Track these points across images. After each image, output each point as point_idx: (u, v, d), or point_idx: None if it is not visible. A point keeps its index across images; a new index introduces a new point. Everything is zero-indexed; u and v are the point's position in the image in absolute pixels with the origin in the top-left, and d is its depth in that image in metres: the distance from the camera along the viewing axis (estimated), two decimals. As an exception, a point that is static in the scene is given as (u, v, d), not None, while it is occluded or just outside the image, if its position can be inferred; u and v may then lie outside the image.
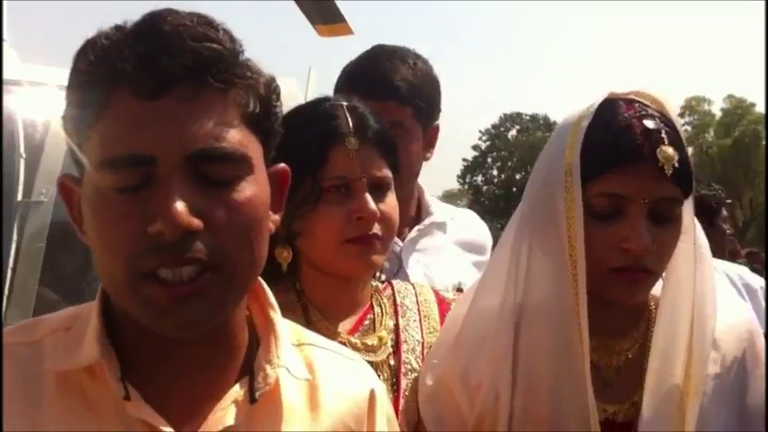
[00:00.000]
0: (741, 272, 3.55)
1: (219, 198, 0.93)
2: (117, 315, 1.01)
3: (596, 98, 1.43)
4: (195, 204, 0.91)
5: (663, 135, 1.34)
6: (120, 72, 0.91)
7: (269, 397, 1.03)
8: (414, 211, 2.26)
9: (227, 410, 1.00)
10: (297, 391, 1.08)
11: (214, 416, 0.99)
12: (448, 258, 2.18)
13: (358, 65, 2.18)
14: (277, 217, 1.07)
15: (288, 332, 1.13)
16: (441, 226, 2.26)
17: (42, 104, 2.92)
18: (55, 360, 0.99)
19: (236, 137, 0.95)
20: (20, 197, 2.58)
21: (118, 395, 0.95)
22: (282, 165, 1.09)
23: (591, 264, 1.36)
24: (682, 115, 42.86)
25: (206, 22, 0.95)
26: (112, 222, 0.92)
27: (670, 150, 1.33)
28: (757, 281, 3.52)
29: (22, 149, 2.66)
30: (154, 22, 0.94)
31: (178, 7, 0.97)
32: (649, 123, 1.36)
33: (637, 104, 1.40)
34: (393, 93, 2.07)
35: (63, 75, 2.84)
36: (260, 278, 1.11)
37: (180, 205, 0.89)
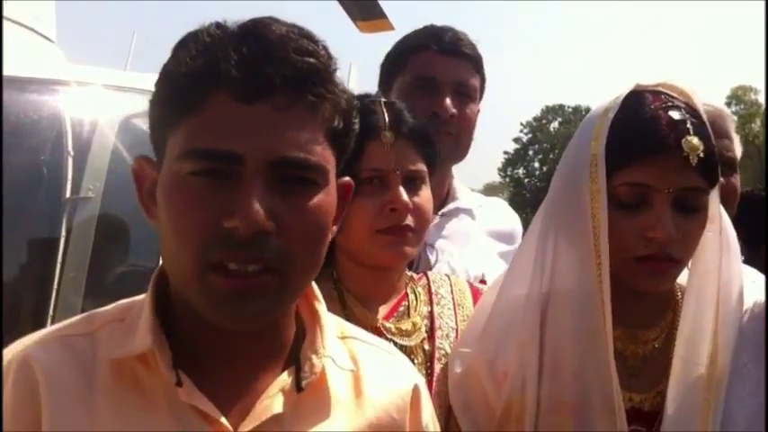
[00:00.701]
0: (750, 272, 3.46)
1: (294, 204, 0.98)
2: (172, 304, 1.06)
3: (623, 90, 1.44)
4: (271, 207, 0.95)
5: (688, 126, 1.36)
6: (223, 72, 0.95)
7: (315, 386, 1.07)
8: (446, 195, 2.29)
9: (274, 398, 1.03)
10: (341, 381, 1.11)
11: (262, 404, 1.02)
12: (475, 246, 2.20)
13: (431, 29, 2.25)
14: (335, 228, 1.11)
15: (333, 324, 1.17)
16: (467, 212, 2.28)
17: (89, 104, 2.98)
18: (110, 349, 1.03)
19: (319, 150, 1.00)
20: (68, 194, 2.64)
21: (169, 382, 0.98)
22: (347, 178, 1.13)
23: (616, 253, 1.38)
24: (728, 105, 42.08)
25: (308, 35, 1.00)
26: (189, 210, 0.96)
27: (695, 140, 1.34)
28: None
29: (69, 147, 2.72)
30: (259, 29, 0.98)
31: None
32: (675, 114, 1.37)
33: (663, 96, 1.42)
34: (470, 57, 2.19)
35: (108, 75, 2.92)
36: None
37: (258, 206, 0.93)
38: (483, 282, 1.85)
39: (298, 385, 1.05)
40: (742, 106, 43.14)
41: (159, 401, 1.00)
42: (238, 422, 1.00)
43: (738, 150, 2.27)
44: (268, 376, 1.06)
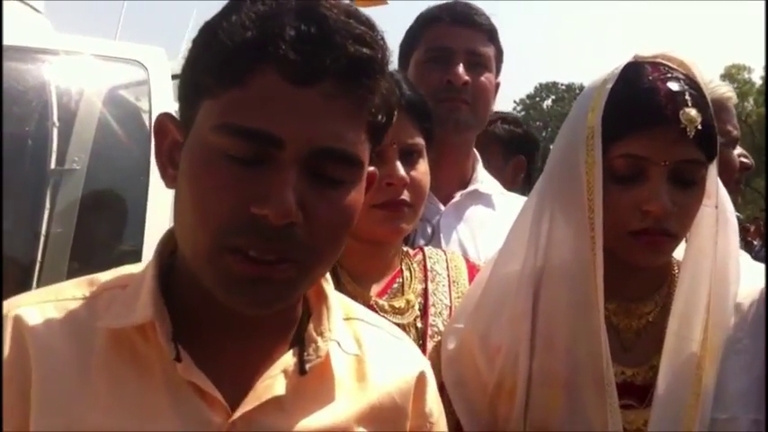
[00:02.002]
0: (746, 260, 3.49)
1: (326, 197, 0.94)
2: (177, 275, 1.03)
3: (622, 61, 1.42)
4: (303, 197, 0.91)
5: (687, 97, 1.33)
6: (276, 48, 0.89)
7: (319, 369, 1.04)
8: (469, 175, 2.27)
9: (275, 379, 1.00)
10: (345, 364, 1.09)
11: (262, 384, 0.99)
12: (491, 233, 2.14)
13: (445, 3, 2.27)
14: None
15: (339, 305, 1.14)
16: (486, 198, 2.26)
17: (76, 74, 2.94)
18: (109, 317, 1.00)
19: (360, 143, 0.96)
20: (53, 165, 2.61)
21: (168, 357, 0.96)
22: (373, 169, 1.07)
23: (612, 226, 1.36)
24: (721, 84, 42.15)
25: (369, 23, 0.95)
26: (216, 189, 0.91)
27: (693, 112, 1.32)
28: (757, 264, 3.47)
29: (55, 118, 2.69)
30: (320, 9, 0.92)
31: None
32: (673, 85, 1.35)
33: (662, 67, 1.39)
34: (483, 27, 2.21)
35: (96, 44, 2.88)
36: None
37: (292, 197, 0.89)
38: None
39: (301, 368, 1.02)
40: (735, 85, 43.13)
41: (156, 375, 0.97)
42: (237, 401, 0.97)
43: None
44: (272, 356, 1.03)
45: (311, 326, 1.06)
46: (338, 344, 1.06)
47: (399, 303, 1.61)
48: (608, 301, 1.41)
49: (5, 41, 2.75)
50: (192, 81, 0.97)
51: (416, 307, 1.63)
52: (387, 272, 1.66)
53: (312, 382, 1.03)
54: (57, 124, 2.69)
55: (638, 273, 1.44)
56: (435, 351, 1.59)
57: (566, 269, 1.42)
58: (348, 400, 1.06)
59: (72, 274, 2.40)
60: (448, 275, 1.71)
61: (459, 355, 1.52)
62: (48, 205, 2.54)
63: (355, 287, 1.59)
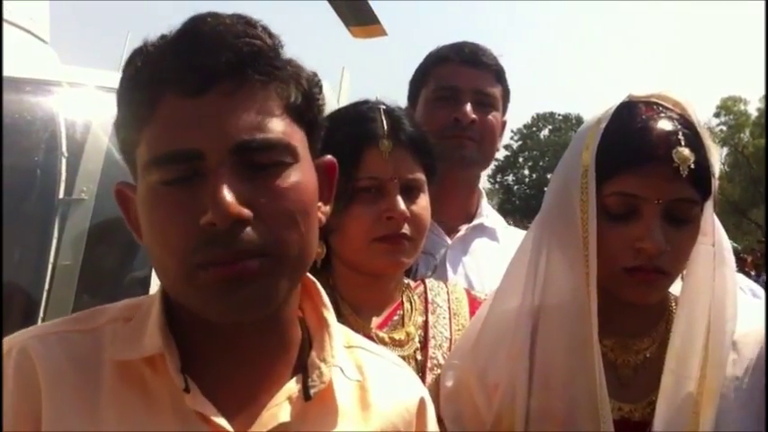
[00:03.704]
0: (749, 283, 3.52)
1: (266, 187, 0.96)
2: (176, 309, 1.04)
3: (616, 100, 1.44)
4: (243, 194, 0.93)
5: (680, 137, 1.35)
6: (165, 74, 0.95)
7: (322, 396, 1.05)
8: (474, 210, 2.31)
9: (281, 407, 1.01)
10: (348, 391, 1.10)
11: (268, 411, 1.01)
12: (495, 266, 2.16)
13: (455, 43, 2.32)
14: (327, 208, 1.10)
15: (340, 333, 1.15)
16: (491, 232, 2.30)
17: (83, 105, 2.97)
18: (115, 350, 1.01)
19: (279, 127, 0.98)
20: (61, 195, 2.63)
21: (175, 387, 0.97)
22: (330, 157, 1.12)
23: (606, 263, 1.38)
24: (717, 115, 42.20)
25: (245, 20, 0.99)
26: (166, 218, 0.95)
27: (686, 152, 1.34)
28: (762, 291, 3.49)
29: (63, 148, 2.71)
30: (194, 25, 0.97)
31: (209, 9, 1.01)
32: (666, 125, 1.37)
33: (656, 106, 1.41)
34: (491, 67, 2.25)
35: (102, 76, 2.91)
36: (314, 279, 1.14)
37: (228, 195, 0.91)
38: None
39: (305, 394, 1.03)
40: (731, 117, 43.26)
41: (165, 405, 0.99)
42: (244, 429, 0.99)
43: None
44: (275, 383, 1.04)
45: (314, 353, 1.08)
46: (341, 370, 1.07)
47: (399, 335, 1.63)
48: (605, 337, 1.43)
49: (13, 72, 2.79)
50: (120, 139, 1.03)
51: (416, 339, 1.65)
52: (387, 304, 1.68)
53: (316, 409, 1.04)
54: (65, 155, 2.71)
55: (635, 309, 1.44)
56: (435, 384, 1.59)
57: (562, 306, 1.43)
58: (352, 428, 1.07)
59: (80, 303, 2.41)
60: (449, 308, 1.73)
61: (457, 392, 1.53)
62: (56, 235, 2.55)
63: (356, 319, 1.61)
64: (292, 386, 1.04)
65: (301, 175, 1.00)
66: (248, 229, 0.93)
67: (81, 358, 1.01)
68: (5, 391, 0.97)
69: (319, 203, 1.08)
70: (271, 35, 1.00)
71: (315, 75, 1.07)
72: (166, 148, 0.94)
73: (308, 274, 1.13)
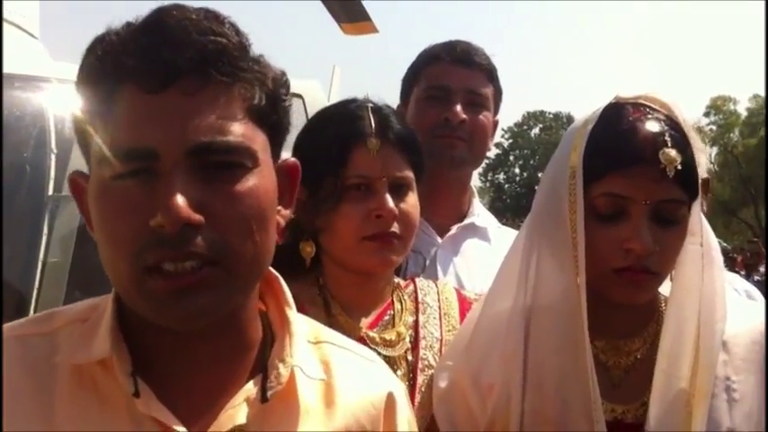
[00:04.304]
0: (744, 284, 3.53)
1: (221, 191, 0.93)
2: (129, 310, 1.01)
3: (603, 102, 1.45)
4: (197, 198, 0.90)
5: (666, 138, 1.36)
6: (125, 67, 0.92)
7: (283, 396, 1.03)
8: (465, 209, 2.31)
9: (238, 409, 0.99)
10: (312, 389, 1.07)
11: (225, 413, 0.99)
12: (486, 266, 2.13)
13: (447, 42, 2.32)
14: (287, 212, 1.08)
15: (305, 329, 1.13)
16: (482, 231, 2.29)
17: (73, 101, 2.96)
18: (69, 352, 0.99)
19: (240, 130, 0.95)
20: (50, 191, 2.62)
21: (128, 391, 0.95)
22: (292, 159, 1.10)
23: (596, 264, 1.38)
24: (707, 115, 42.37)
25: (212, 16, 0.95)
26: (116, 216, 0.92)
27: (673, 153, 1.34)
28: (757, 292, 3.51)
29: (53, 145, 2.70)
30: (159, 17, 0.94)
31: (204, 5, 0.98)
32: (653, 126, 1.38)
33: (643, 108, 1.42)
34: (483, 67, 2.25)
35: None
36: (279, 275, 1.12)
37: (180, 199, 0.89)
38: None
39: (263, 395, 1.01)
40: (721, 116, 43.42)
41: (119, 409, 0.97)
42: (200, 431, 0.97)
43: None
44: (234, 384, 1.02)
45: (274, 352, 1.05)
46: (301, 369, 1.05)
47: (390, 336, 1.63)
48: (596, 339, 1.43)
49: (3, 68, 2.78)
50: (77, 127, 1.00)
51: (407, 339, 1.65)
52: (378, 303, 1.67)
53: (277, 410, 1.02)
54: (54, 151, 2.70)
55: (625, 310, 1.45)
56: (426, 385, 1.60)
57: (553, 307, 1.43)
58: (315, 427, 1.05)
59: (69, 300, 2.40)
60: (439, 308, 1.73)
61: (450, 394, 1.53)
62: (45, 232, 2.54)
63: (347, 319, 1.61)
64: (250, 387, 1.02)
65: (259, 180, 0.97)
66: (199, 234, 0.91)
67: (37, 363, 0.99)
68: None
69: (279, 207, 1.05)
70: (238, 32, 0.97)
71: (282, 74, 1.05)
72: (121, 145, 0.91)
73: (272, 269, 1.10)
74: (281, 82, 1.03)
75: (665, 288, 1.49)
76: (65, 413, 0.96)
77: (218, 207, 0.92)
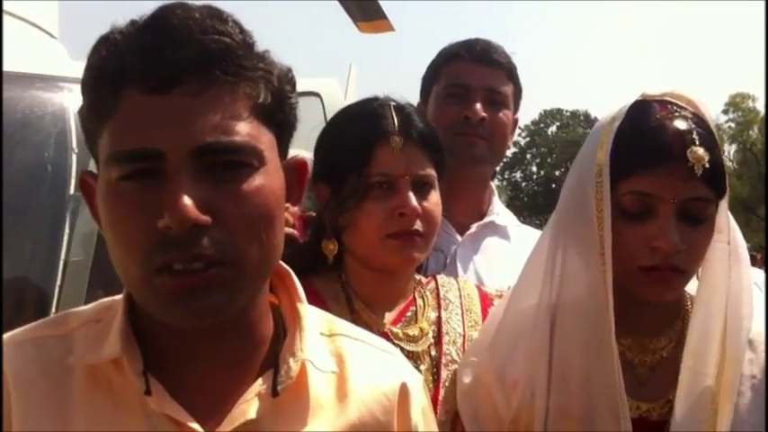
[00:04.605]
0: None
1: (228, 191, 0.93)
2: (141, 309, 1.02)
3: (629, 99, 1.44)
4: (204, 198, 0.90)
5: (694, 136, 1.35)
6: (129, 67, 0.92)
7: (295, 390, 1.03)
8: (485, 207, 2.31)
9: (249, 404, 1.00)
10: (324, 382, 1.08)
11: (237, 408, 0.99)
12: (506, 264, 2.17)
13: (467, 41, 2.32)
14: (296, 209, 1.07)
15: (319, 322, 1.13)
16: (502, 230, 2.29)
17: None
18: (82, 353, 1.00)
19: (246, 129, 0.95)
20: (72, 191, 2.63)
21: (140, 390, 0.96)
22: (300, 156, 1.09)
23: (622, 262, 1.38)
24: (726, 112, 42.04)
25: (215, 14, 0.95)
26: (124, 217, 0.93)
27: (700, 151, 1.34)
28: None
29: (74, 144, 2.71)
30: (162, 16, 0.94)
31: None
32: (681, 124, 1.37)
33: (670, 105, 1.41)
34: (503, 65, 2.25)
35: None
36: (290, 270, 1.12)
37: (187, 200, 0.89)
38: (500, 296, 1.85)
39: (273, 390, 1.01)
40: (740, 114, 43.10)
41: (133, 407, 0.97)
42: (213, 427, 0.98)
43: None
44: (246, 380, 1.03)
45: (285, 347, 1.06)
46: (312, 363, 1.05)
47: (413, 331, 1.64)
48: (622, 337, 1.43)
49: (23, 68, 2.79)
50: (84, 128, 1.01)
51: (430, 335, 1.65)
52: (400, 300, 1.68)
53: (289, 404, 1.03)
54: (75, 150, 2.71)
55: (651, 308, 1.45)
56: (450, 380, 1.60)
57: (579, 305, 1.43)
58: (327, 419, 1.05)
59: (91, 298, 2.41)
60: (461, 304, 1.73)
61: (474, 389, 1.53)
62: (67, 231, 2.55)
63: (369, 315, 1.62)
64: (261, 383, 1.02)
65: (266, 179, 0.97)
66: (206, 234, 0.91)
67: (53, 364, 1.00)
68: None
69: (287, 204, 1.05)
70: (242, 31, 0.97)
71: (288, 71, 1.04)
72: (127, 146, 0.92)
73: (282, 263, 1.10)
74: (286, 79, 1.03)
75: (690, 286, 1.49)
76: (80, 413, 0.97)
77: (225, 207, 0.92)
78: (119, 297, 1.06)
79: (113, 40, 0.95)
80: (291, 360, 1.03)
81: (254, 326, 1.06)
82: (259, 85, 0.97)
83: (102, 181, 0.96)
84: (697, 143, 1.35)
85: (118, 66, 0.93)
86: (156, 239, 0.90)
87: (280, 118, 1.02)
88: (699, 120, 1.40)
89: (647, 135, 1.38)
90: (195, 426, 0.96)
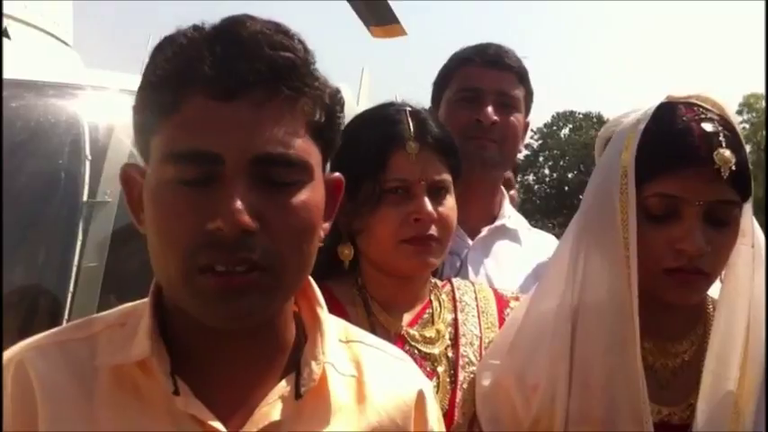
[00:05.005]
0: None
1: (278, 202, 0.96)
2: (170, 310, 1.05)
3: (655, 101, 1.43)
4: (254, 206, 0.93)
5: (721, 138, 1.35)
6: (198, 72, 0.94)
7: (316, 393, 1.05)
8: (497, 211, 2.31)
9: (273, 406, 1.02)
10: (344, 386, 1.10)
11: (260, 411, 1.01)
12: (517, 268, 2.19)
13: (478, 45, 2.33)
14: (327, 225, 1.10)
15: (336, 329, 1.15)
16: (513, 233, 2.29)
17: (106, 108, 2.99)
18: (109, 355, 1.02)
19: (301, 144, 0.98)
20: (85, 198, 2.64)
21: (168, 390, 0.98)
22: (337, 174, 1.12)
23: (646, 264, 1.37)
24: (740, 113, 41.80)
25: (283, 30, 0.99)
26: (173, 215, 0.95)
27: (727, 153, 1.33)
28: None
29: (87, 152, 2.72)
30: (233, 27, 0.97)
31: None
32: (707, 126, 1.36)
33: (696, 108, 1.40)
34: (514, 69, 2.25)
35: (126, 79, 2.92)
36: (309, 277, 1.13)
37: (240, 205, 0.92)
38: (516, 299, 1.85)
39: (296, 392, 1.04)
40: (754, 114, 42.91)
41: (158, 408, 0.99)
42: (236, 428, 1.00)
43: None
44: (268, 383, 1.05)
45: (306, 351, 1.08)
46: (333, 366, 1.08)
47: (430, 333, 1.63)
48: (644, 340, 1.42)
49: (37, 76, 2.80)
50: (138, 123, 1.02)
51: (447, 337, 1.65)
52: (416, 303, 1.68)
53: (310, 406, 1.05)
54: (89, 158, 2.72)
55: (673, 311, 1.44)
56: (468, 383, 1.60)
57: (601, 307, 1.42)
58: (347, 423, 1.07)
59: (103, 305, 2.42)
60: (477, 306, 1.73)
61: (494, 392, 1.53)
62: (80, 237, 2.56)
63: (386, 317, 1.62)
64: (284, 385, 1.04)
65: (312, 194, 1.00)
66: (253, 240, 0.94)
67: (78, 366, 1.02)
68: (5, 406, 0.98)
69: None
70: (306, 49, 1.00)
71: (338, 91, 1.07)
72: (187, 147, 0.94)
73: None
74: (336, 98, 1.06)
75: (712, 290, 1.48)
76: (106, 414, 0.98)
77: (273, 217, 0.95)
78: (141, 302, 1.09)
79: (180, 42, 0.98)
80: (314, 363, 1.06)
81: (279, 330, 1.09)
82: (316, 102, 1.01)
83: (154, 177, 0.98)
84: (724, 145, 1.34)
85: (186, 68, 0.95)
86: (202, 240, 0.93)
87: (328, 136, 1.05)
88: (725, 122, 1.39)
89: (674, 137, 1.37)
90: (219, 427, 0.98)
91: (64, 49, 3.66)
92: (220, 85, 0.94)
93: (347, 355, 1.14)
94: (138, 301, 1.10)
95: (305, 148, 0.99)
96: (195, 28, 0.99)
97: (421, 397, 1.17)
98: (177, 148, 0.95)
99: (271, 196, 0.96)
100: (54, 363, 1.01)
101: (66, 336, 1.06)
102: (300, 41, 1.00)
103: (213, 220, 0.92)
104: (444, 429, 1.24)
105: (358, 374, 1.12)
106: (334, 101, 1.05)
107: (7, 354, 1.03)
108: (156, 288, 1.06)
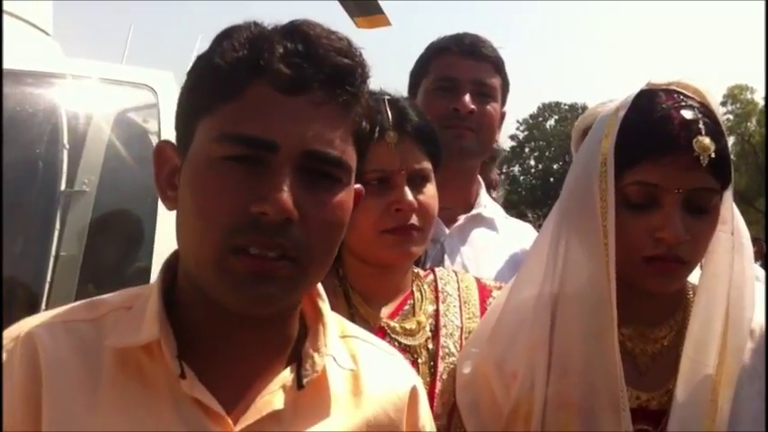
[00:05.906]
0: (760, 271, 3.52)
1: (318, 197, 1.01)
2: (180, 293, 1.08)
3: (635, 88, 1.43)
4: (298, 197, 0.98)
5: (700, 125, 1.34)
6: (268, 63, 0.99)
7: (316, 384, 1.08)
8: (473, 199, 2.32)
9: (275, 394, 1.05)
10: (341, 379, 1.13)
11: (262, 399, 1.04)
12: (494, 256, 2.20)
13: (455, 35, 2.36)
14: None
15: (334, 323, 1.19)
16: (489, 222, 2.30)
17: (86, 97, 2.97)
18: (115, 337, 1.04)
19: (347, 148, 1.04)
20: (63, 187, 2.63)
21: (172, 373, 1.00)
22: (359, 185, 1.15)
23: (625, 253, 1.37)
24: (724, 104, 41.97)
25: (346, 39, 1.05)
26: (217, 193, 0.99)
27: (707, 141, 1.32)
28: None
29: (65, 141, 2.71)
30: (303, 28, 1.03)
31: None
32: (687, 114, 1.35)
33: (676, 95, 1.40)
34: (490, 58, 2.29)
35: (104, 68, 2.90)
36: None
37: (288, 194, 0.97)
38: (499, 288, 1.85)
39: (299, 382, 1.06)
40: (738, 105, 43.11)
41: (162, 392, 1.01)
42: (239, 416, 1.02)
43: None
44: (271, 372, 1.08)
45: (308, 342, 1.12)
46: (334, 359, 1.11)
47: (410, 325, 1.62)
48: (623, 326, 1.42)
49: (16, 65, 2.78)
50: (188, 104, 1.06)
51: (427, 328, 1.64)
52: (398, 294, 1.67)
53: (309, 397, 1.08)
54: (67, 147, 2.72)
55: (652, 298, 1.44)
56: (448, 373, 1.59)
57: (580, 294, 1.42)
58: (344, 415, 1.11)
59: (81, 294, 2.41)
60: (459, 296, 1.72)
61: (474, 380, 1.53)
62: (58, 227, 2.56)
63: (367, 309, 1.61)
64: (287, 375, 1.07)
65: (347, 196, 1.06)
66: (291, 229, 0.98)
67: (83, 347, 1.03)
68: (11, 374, 0.99)
69: None
70: (364, 60, 1.06)
71: (375, 106, 1.15)
72: (247, 131, 0.98)
73: None
74: (374, 113, 1.14)
75: (692, 276, 1.48)
76: (109, 395, 1.00)
77: (312, 211, 1.00)
78: (145, 286, 1.13)
79: (248, 32, 1.03)
80: (316, 355, 1.10)
81: (287, 321, 1.12)
82: (363, 113, 1.08)
83: (202, 156, 1.01)
84: (703, 133, 1.33)
85: (255, 58, 1.00)
86: (243, 221, 0.97)
87: (365, 147, 1.11)
88: (705, 109, 1.38)
89: (653, 124, 1.36)
90: (221, 411, 1.00)
91: (43, 38, 3.62)
92: (287, 79, 0.99)
93: (344, 348, 1.17)
94: (143, 286, 1.14)
95: (350, 152, 1.05)
96: (255, 24, 1.04)
97: (414, 393, 1.21)
98: (235, 131, 0.99)
99: (312, 191, 1.00)
100: (60, 341, 1.03)
101: (73, 316, 1.08)
102: (362, 54, 1.06)
103: (259, 204, 0.96)
104: (434, 426, 1.26)
105: (355, 368, 1.16)
106: (373, 114, 1.12)
107: (17, 326, 1.05)
108: (165, 271, 1.09)
